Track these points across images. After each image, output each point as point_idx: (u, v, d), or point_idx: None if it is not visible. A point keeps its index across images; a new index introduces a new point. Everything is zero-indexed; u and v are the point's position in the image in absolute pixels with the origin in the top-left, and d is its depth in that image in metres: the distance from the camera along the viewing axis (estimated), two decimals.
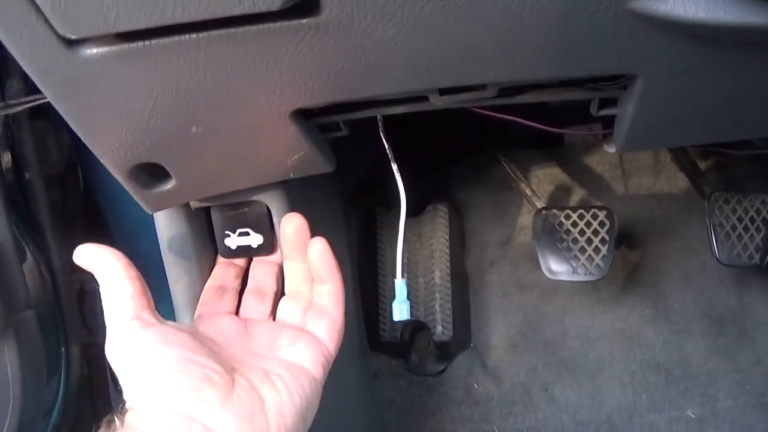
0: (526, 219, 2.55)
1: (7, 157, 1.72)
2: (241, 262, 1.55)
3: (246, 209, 1.55)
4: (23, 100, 1.66)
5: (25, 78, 1.71)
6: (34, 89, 1.68)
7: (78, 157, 1.97)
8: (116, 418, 1.14)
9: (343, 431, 1.93)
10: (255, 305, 1.45)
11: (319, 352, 1.32)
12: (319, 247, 1.33)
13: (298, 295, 1.40)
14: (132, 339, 1.17)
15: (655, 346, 2.42)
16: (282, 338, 1.33)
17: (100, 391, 2.09)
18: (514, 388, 2.42)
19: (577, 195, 2.58)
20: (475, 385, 2.43)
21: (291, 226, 1.36)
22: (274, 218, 1.56)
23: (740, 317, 2.43)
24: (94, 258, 1.26)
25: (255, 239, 1.56)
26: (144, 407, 1.10)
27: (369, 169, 2.24)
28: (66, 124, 1.15)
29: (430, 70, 1.07)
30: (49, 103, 1.11)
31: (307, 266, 1.38)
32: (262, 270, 1.51)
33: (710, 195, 2.17)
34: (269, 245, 1.57)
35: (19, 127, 1.74)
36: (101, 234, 2.09)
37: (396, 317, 1.51)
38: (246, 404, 1.14)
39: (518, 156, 2.56)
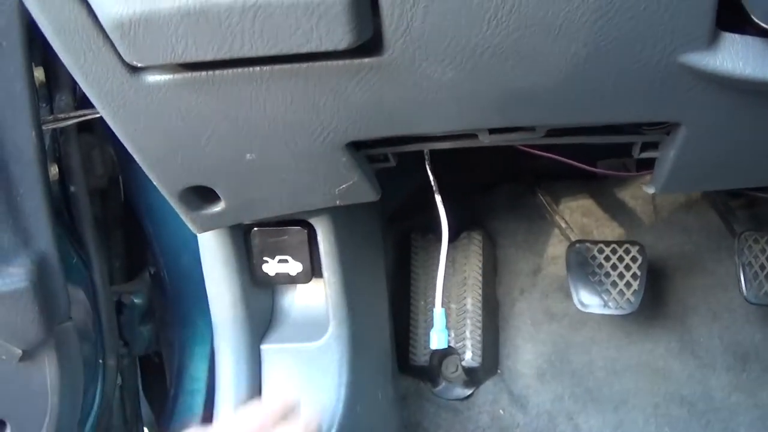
0: (557, 249, 2.56)
1: (54, 170, 1.73)
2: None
3: (286, 237, 1.57)
4: (72, 114, 1.68)
5: (74, 92, 1.73)
6: (82, 104, 1.71)
7: (121, 171, 1.98)
8: None
9: None
10: None
11: None
12: None
13: None
14: None
15: (680, 379, 2.42)
16: None
17: (131, 403, 2.10)
18: (540, 416, 2.42)
19: (609, 228, 2.59)
20: (501, 412, 2.44)
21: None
22: (319, 238, 1.58)
23: (764, 354, 2.43)
24: None
25: (294, 267, 1.58)
26: None
27: (407, 196, 2.25)
28: (112, 137, 1.18)
29: (484, 111, 1.09)
30: (96, 117, 1.14)
31: None
32: None
33: (741, 234, 2.19)
34: (308, 274, 1.59)
35: (66, 140, 1.75)
36: (141, 249, 2.11)
37: (433, 346, 1.53)
38: None
39: (552, 187, 2.57)
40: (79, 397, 1.73)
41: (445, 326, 1.53)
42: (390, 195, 1.43)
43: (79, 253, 1.78)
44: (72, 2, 0.98)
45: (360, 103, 1.06)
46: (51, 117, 1.68)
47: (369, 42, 0.97)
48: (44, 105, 1.70)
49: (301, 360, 1.70)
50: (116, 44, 1.00)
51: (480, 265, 2.42)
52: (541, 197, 2.49)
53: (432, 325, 1.56)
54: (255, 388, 1.68)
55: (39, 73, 1.66)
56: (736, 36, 0.96)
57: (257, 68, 1.02)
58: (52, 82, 1.71)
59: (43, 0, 0.98)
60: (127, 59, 1.02)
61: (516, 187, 2.62)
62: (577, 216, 2.60)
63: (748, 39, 0.96)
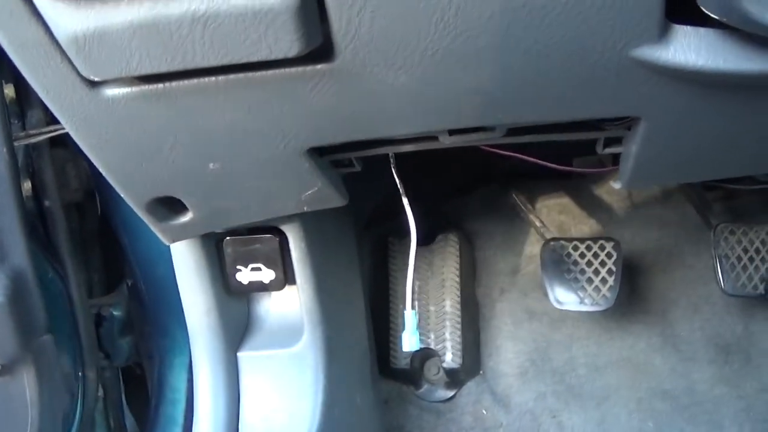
0: (535, 248, 2.56)
1: (27, 185, 1.74)
2: None
3: (258, 245, 1.58)
4: (44, 130, 1.69)
5: (46, 108, 1.73)
6: (54, 119, 1.72)
7: (96, 184, 1.99)
8: None
9: None
10: None
11: None
12: None
13: None
14: None
15: (662, 373, 2.43)
16: None
17: (114, 414, 2.11)
18: (523, 415, 2.43)
19: (587, 225, 2.60)
20: (484, 412, 2.44)
21: None
22: (291, 245, 1.59)
23: (746, 345, 2.43)
24: None
25: (267, 275, 1.59)
26: None
27: (382, 200, 2.26)
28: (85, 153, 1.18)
29: (440, 114, 1.10)
30: (68, 132, 1.15)
31: None
32: None
33: (716, 226, 2.20)
34: (281, 281, 1.60)
35: (39, 155, 1.76)
36: (118, 261, 2.11)
37: (405, 348, 1.54)
38: None
39: (528, 186, 2.59)
40: (59, 410, 1.74)
41: (416, 328, 1.54)
42: (364, 200, 1.44)
43: (56, 268, 1.78)
44: (29, 19, 0.99)
45: (317, 109, 1.07)
46: (23, 133, 1.69)
47: (320, 49, 0.97)
48: (16, 121, 1.71)
49: (277, 366, 1.71)
50: (73, 59, 1.01)
51: (457, 266, 2.43)
52: (516, 197, 2.50)
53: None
54: (233, 396, 1.69)
55: (9, 90, 1.67)
56: (687, 28, 0.97)
57: (212, 78, 1.03)
58: (23, 99, 1.72)
59: (0, 17, 0.99)
60: (84, 74, 1.03)
61: (491, 188, 2.63)
62: (554, 214, 2.60)
63: (700, 30, 0.97)
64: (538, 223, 2.43)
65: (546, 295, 2.19)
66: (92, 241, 2.06)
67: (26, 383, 1.59)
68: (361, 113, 1.09)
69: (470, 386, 2.47)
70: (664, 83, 1.04)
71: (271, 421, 1.68)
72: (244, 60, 0.97)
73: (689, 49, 0.97)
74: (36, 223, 1.78)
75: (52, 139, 1.74)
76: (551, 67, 1.01)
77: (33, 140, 1.69)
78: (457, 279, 2.41)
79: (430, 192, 1.72)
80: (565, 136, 1.30)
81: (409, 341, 1.53)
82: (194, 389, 1.69)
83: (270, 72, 1.01)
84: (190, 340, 1.68)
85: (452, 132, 1.22)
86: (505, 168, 2.56)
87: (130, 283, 2.11)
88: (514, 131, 1.27)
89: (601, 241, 2.20)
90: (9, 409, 1.61)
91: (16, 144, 1.58)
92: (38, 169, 1.77)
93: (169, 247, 1.56)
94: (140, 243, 2.00)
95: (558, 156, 1.75)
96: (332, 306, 1.74)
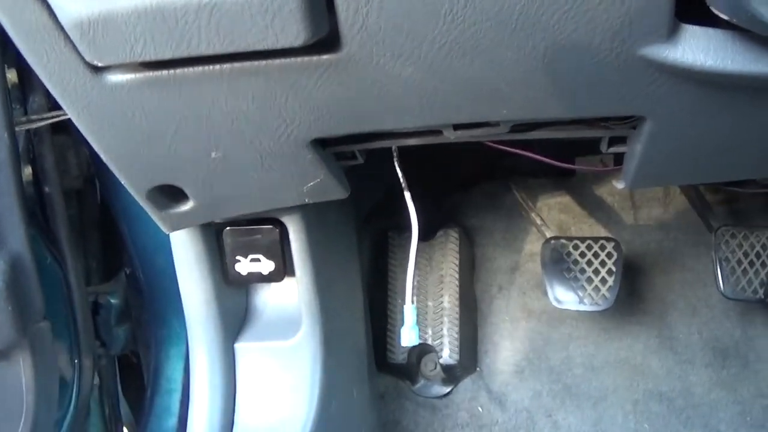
0: (535, 246, 2.57)
1: (27, 171, 1.73)
2: None
3: (259, 236, 1.57)
4: (45, 115, 1.68)
5: (48, 94, 1.72)
6: (56, 105, 1.71)
7: (96, 171, 1.98)
8: None
9: None
10: None
11: None
12: None
13: None
14: None
15: (659, 375, 2.43)
16: None
17: (109, 402, 2.10)
18: (518, 413, 2.43)
19: (587, 224, 2.60)
20: (480, 409, 2.44)
21: None
22: (291, 237, 1.58)
23: (744, 350, 2.43)
24: None
25: (266, 266, 1.58)
26: None
27: (383, 194, 2.25)
28: (86, 139, 1.18)
29: (445, 107, 1.10)
30: (70, 118, 1.14)
31: None
32: None
33: (717, 229, 2.20)
34: (280, 272, 1.59)
35: (40, 141, 1.75)
36: (117, 249, 2.11)
37: (404, 343, 1.53)
38: None
39: (530, 184, 2.59)
40: (54, 397, 1.73)
41: (416, 323, 1.53)
42: (365, 193, 1.44)
43: (54, 254, 1.77)
44: (32, 3, 0.98)
45: (321, 100, 1.07)
46: (24, 118, 1.68)
47: (326, 39, 0.97)
48: (17, 107, 1.69)
49: (274, 358, 1.70)
50: (77, 44, 1.00)
51: (457, 262, 2.43)
52: (518, 195, 2.50)
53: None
54: (230, 387, 1.68)
55: (12, 75, 1.66)
56: (697, 28, 0.96)
57: (217, 66, 1.02)
58: (26, 84, 1.71)
59: (4, 1, 0.99)
60: (88, 59, 1.02)
61: (493, 185, 2.63)
62: (555, 213, 2.60)
63: (709, 31, 0.96)
64: (538, 221, 2.43)
65: (545, 293, 2.18)
66: (91, 229, 2.05)
67: (22, 369, 1.59)
68: (367, 105, 1.09)
69: (466, 383, 2.47)
70: (671, 83, 1.03)
71: (268, 414, 1.67)
72: (250, 48, 0.96)
73: (698, 49, 0.96)
74: (35, 209, 1.77)
75: (53, 125, 1.73)
76: (559, 63, 1.01)
77: (34, 126, 1.68)
78: (457, 275, 2.41)
79: (432, 187, 1.71)
80: (570, 133, 1.29)
81: (408, 336, 1.52)
82: (191, 379, 1.68)
83: (275, 61, 1.00)
84: (188, 330, 1.67)
85: (457, 127, 1.21)
86: (506, 165, 2.55)
87: (128, 272, 2.11)
88: (518, 128, 1.26)
89: (602, 241, 2.20)
90: (4, 395, 1.60)
91: (17, 129, 1.57)
92: (39, 154, 1.76)
93: (168, 236, 1.55)
94: (140, 232, 1.99)
95: (560, 155, 1.74)
96: (331, 299, 1.74)
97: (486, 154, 1.60)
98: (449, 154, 2.01)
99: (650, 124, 1.14)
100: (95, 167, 1.97)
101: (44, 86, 1.60)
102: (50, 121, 1.67)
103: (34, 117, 1.68)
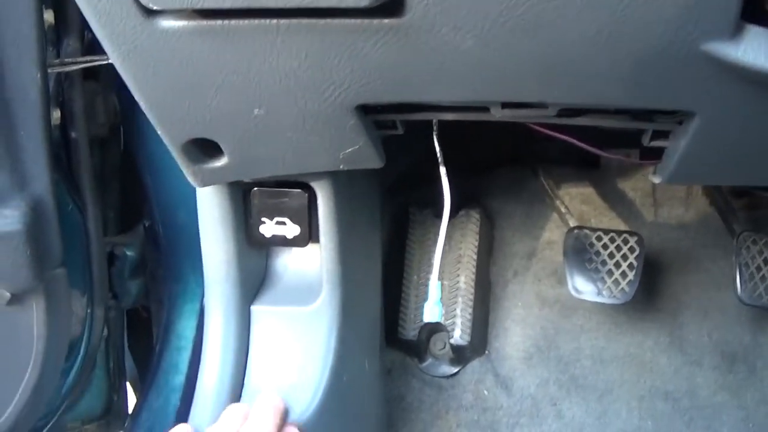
0: (554, 234, 2.57)
1: (56, 114, 1.72)
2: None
3: (286, 199, 1.56)
4: (79, 59, 1.66)
5: (82, 38, 1.71)
6: (89, 50, 1.70)
7: (122, 121, 1.97)
8: None
9: (354, 421, 1.94)
10: None
11: None
12: None
13: None
14: None
15: (666, 374, 2.42)
16: None
17: (115, 356, 2.10)
18: (523, 400, 2.42)
19: (607, 218, 2.59)
20: (485, 392, 2.44)
21: None
22: (319, 202, 1.57)
23: (752, 356, 2.43)
24: None
25: (291, 230, 1.57)
26: None
27: (406, 168, 2.24)
28: (118, 86, 1.17)
29: (499, 84, 1.08)
30: (102, 65, 1.12)
31: None
32: None
33: (740, 234, 2.19)
34: (305, 237, 1.58)
35: (71, 85, 1.74)
36: (137, 201, 2.09)
37: (427, 318, 1.52)
38: None
39: (554, 172, 2.57)
40: (64, 347, 1.73)
41: (440, 299, 1.52)
42: (389, 165, 1.42)
43: (75, 201, 1.76)
44: None
45: (374, 65, 1.05)
46: (57, 61, 1.67)
47: (390, 2, 0.95)
48: (51, 48, 1.68)
49: (290, 323, 1.69)
50: None
51: (476, 244, 2.42)
52: (543, 181, 2.49)
53: (424, 299, 1.56)
54: (242, 349, 1.67)
55: (49, 16, 1.64)
56: (760, 29, 0.95)
57: (273, 21, 1.00)
58: (61, 26, 1.70)
59: None
60: (144, 1, 1.00)
61: (518, 169, 2.62)
62: (576, 203, 2.59)
63: None
64: (563, 209, 2.42)
65: (562, 281, 2.18)
66: (112, 179, 2.04)
67: (35, 315, 1.58)
68: (419, 74, 1.07)
69: (474, 365, 2.46)
70: (726, 81, 1.02)
71: (279, 378, 1.66)
72: (314, 5, 0.95)
73: (759, 50, 0.95)
74: (61, 153, 1.76)
75: (84, 71, 1.72)
76: (620, 50, 1.00)
77: (66, 69, 1.67)
78: (475, 257, 2.40)
79: (457, 166, 1.69)
80: (615, 123, 1.28)
81: (431, 311, 1.51)
82: (204, 338, 1.67)
83: (335, 21, 0.99)
84: (205, 288, 1.66)
85: (505, 105, 1.20)
86: (532, 150, 2.54)
87: (147, 225, 2.09)
88: (565, 112, 1.24)
89: (625, 235, 2.19)
90: (14, 341, 1.59)
91: (49, 71, 1.56)
92: (68, 98, 1.74)
93: (192, 191, 1.53)
94: (163, 185, 1.97)
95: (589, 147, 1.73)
96: (352, 268, 1.73)
97: (513, 137, 1.59)
98: (476, 135, 2.00)
99: (698, 121, 1.13)
100: (121, 116, 1.96)
101: (80, 30, 1.60)
102: (83, 65, 1.66)
103: (67, 60, 1.66)
